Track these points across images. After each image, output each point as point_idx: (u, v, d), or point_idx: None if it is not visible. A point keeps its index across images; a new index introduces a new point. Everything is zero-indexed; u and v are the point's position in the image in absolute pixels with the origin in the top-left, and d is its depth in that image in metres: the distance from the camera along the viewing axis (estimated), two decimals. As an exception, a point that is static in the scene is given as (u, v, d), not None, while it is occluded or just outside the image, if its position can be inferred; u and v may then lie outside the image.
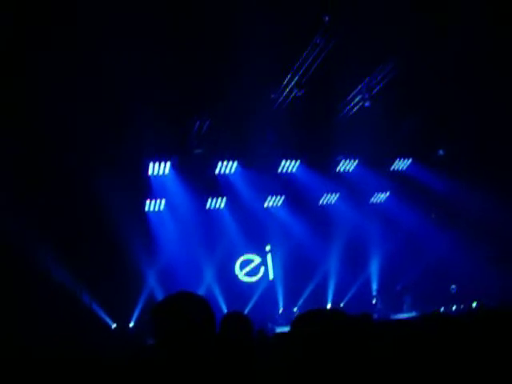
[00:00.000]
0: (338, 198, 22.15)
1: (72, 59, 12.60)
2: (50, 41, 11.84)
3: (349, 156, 20.74)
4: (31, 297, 16.13)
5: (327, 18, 13.05)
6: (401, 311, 20.27)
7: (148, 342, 16.36)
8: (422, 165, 21.70)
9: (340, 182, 21.44)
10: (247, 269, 21.69)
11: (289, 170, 20.30)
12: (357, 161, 20.85)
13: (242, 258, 21.65)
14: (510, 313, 4.80)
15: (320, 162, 20.70)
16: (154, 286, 18.84)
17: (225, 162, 19.16)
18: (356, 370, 2.31)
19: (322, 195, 21.99)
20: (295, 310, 20.30)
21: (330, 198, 22.16)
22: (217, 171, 19.39)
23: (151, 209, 19.49)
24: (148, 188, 18.89)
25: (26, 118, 14.41)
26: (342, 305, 21.31)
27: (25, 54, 12.13)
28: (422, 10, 12.70)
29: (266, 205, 21.45)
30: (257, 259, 21.92)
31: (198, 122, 16.85)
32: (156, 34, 12.40)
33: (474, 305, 18.27)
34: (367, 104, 16.84)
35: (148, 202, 19.25)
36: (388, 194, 22.68)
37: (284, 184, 20.79)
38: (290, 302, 20.81)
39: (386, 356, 4.41)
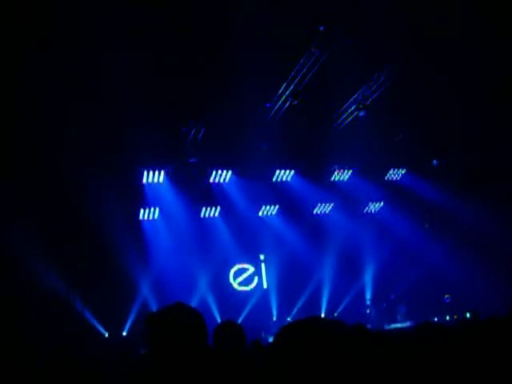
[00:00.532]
0: (333, 208, 22.19)
1: (69, 63, 12.59)
2: (51, 43, 11.84)
3: (343, 165, 20.79)
4: (23, 305, 16.04)
5: (322, 28, 13.10)
6: (395, 321, 20.24)
7: (141, 351, 16.28)
8: (417, 175, 21.77)
9: (334, 192, 21.48)
10: (241, 278, 21.64)
11: (283, 179, 20.32)
12: (351, 170, 20.91)
13: (235, 267, 21.61)
14: (503, 323, 4.80)
15: (314, 172, 20.74)
16: (148, 295, 18.77)
17: (219, 171, 19.17)
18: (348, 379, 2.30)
19: (317, 204, 22.02)
20: (289, 319, 20.25)
21: (324, 208, 22.19)
22: (211, 180, 19.39)
23: (145, 217, 19.47)
24: (142, 196, 18.86)
25: (21, 125, 14.39)
26: (335, 314, 21.30)
27: (24, 55, 12.13)
28: (418, 21, 12.77)
29: (260, 214, 21.46)
30: (251, 268, 21.89)
31: (192, 131, 16.84)
32: (153, 42, 12.44)
33: (468, 315, 18.25)
34: (362, 114, 16.87)
35: (142, 210, 19.22)
36: (382, 203, 22.74)
37: (278, 193, 20.81)
38: (283, 312, 20.76)
39: (379, 366, 4.40)
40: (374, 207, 22.93)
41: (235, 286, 21.46)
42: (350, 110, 17.46)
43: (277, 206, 21.40)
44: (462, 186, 20.56)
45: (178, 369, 2.32)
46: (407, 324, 19.19)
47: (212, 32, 12.37)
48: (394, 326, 19.19)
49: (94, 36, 11.57)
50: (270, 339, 17.57)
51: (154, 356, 2.37)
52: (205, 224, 20.58)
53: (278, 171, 19.95)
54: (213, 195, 20.01)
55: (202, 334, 2.48)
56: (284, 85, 15.57)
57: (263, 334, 18.98)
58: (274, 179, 20.21)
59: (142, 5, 11.37)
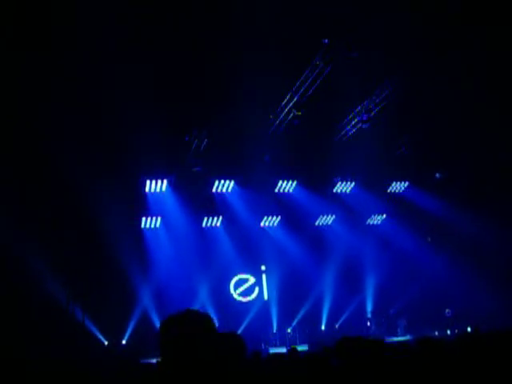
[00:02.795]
0: (335, 220, 22.19)
1: (72, 75, 12.69)
2: (51, 48, 11.92)
3: (346, 177, 20.82)
4: (23, 312, 16.04)
5: (327, 41, 13.16)
6: (395, 334, 20.18)
7: (140, 359, 16.24)
8: (419, 188, 21.78)
9: (337, 204, 21.48)
10: (242, 288, 21.62)
11: (285, 191, 20.35)
12: (354, 182, 20.92)
13: (236, 278, 21.60)
14: (504, 337, 4.80)
15: (317, 183, 20.75)
16: (148, 304, 18.76)
17: (222, 181, 19.21)
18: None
19: (319, 216, 22.03)
20: (289, 330, 20.20)
21: (326, 219, 22.20)
22: (213, 190, 19.42)
23: (147, 226, 19.49)
24: (145, 205, 18.89)
25: (28, 133, 14.48)
26: (336, 326, 21.24)
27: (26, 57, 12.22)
28: (421, 34, 12.83)
29: (262, 224, 21.47)
30: (251, 279, 21.87)
31: (195, 141, 16.89)
32: (157, 53, 12.52)
33: (469, 329, 18.19)
34: (365, 126, 16.90)
35: (144, 219, 19.25)
36: (384, 216, 22.73)
37: (280, 204, 20.82)
38: (284, 323, 20.71)
39: (380, 378, 4.40)
40: (376, 220, 22.92)
41: (236, 296, 21.42)
42: (353, 123, 17.51)
43: (279, 217, 21.41)
44: (464, 200, 20.56)
45: (192, 376, 2.32)
46: (407, 337, 19.11)
47: (217, 43, 12.44)
48: (394, 339, 19.11)
49: (97, 46, 11.65)
50: (271, 350, 17.53)
51: (167, 364, 2.37)
52: (206, 233, 20.61)
53: (280, 182, 19.99)
54: (215, 205, 20.05)
55: (215, 341, 2.50)
56: (288, 96, 15.63)
57: (263, 346, 18.93)
58: (276, 190, 20.23)
59: (149, 15, 11.45)
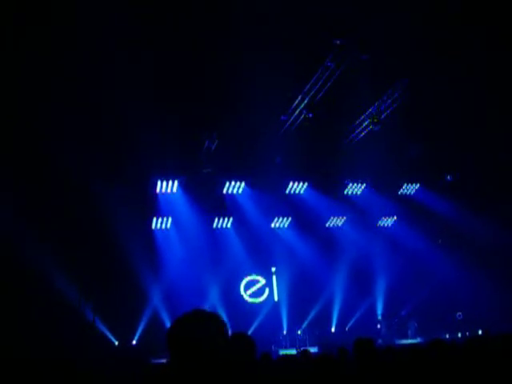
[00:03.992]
0: (345, 221, 22.16)
1: (81, 69, 12.72)
2: (60, 46, 11.98)
3: (357, 179, 20.76)
4: (34, 312, 16.11)
5: (338, 42, 13.14)
6: (405, 337, 20.09)
7: (150, 360, 16.29)
8: (430, 190, 21.69)
9: (347, 205, 21.44)
10: (252, 290, 21.62)
11: (296, 192, 20.33)
12: (365, 184, 20.87)
13: (247, 279, 21.61)
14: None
15: (328, 185, 20.71)
16: (158, 304, 18.80)
17: (232, 182, 19.22)
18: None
19: (329, 218, 22.00)
20: (299, 332, 20.17)
21: (336, 221, 22.17)
22: (224, 191, 19.44)
23: (158, 226, 19.53)
24: (155, 206, 18.94)
25: (37, 135, 14.56)
26: (346, 329, 21.21)
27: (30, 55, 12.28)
28: (433, 36, 12.79)
29: (272, 226, 21.47)
30: (262, 280, 21.87)
31: (206, 142, 16.93)
32: (169, 53, 12.56)
33: (480, 332, 18.10)
34: (376, 128, 16.86)
35: (155, 219, 19.30)
36: (395, 218, 22.66)
37: (291, 205, 20.81)
38: (294, 325, 20.67)
39: (389, 381, 4.39)
40: (386, 222, 22.85)
41: (246, 297, 21.43)
42: (364, 124, 17.47)
43: (289, 219, 21.40)
44: (475, 202, 20.46)
45: (201, 376, 2.32)
46: (418, 340, 19.04)
47: (228, 44, 12.45)
48: (404, 341, 19.04)
49: (108, 48, 11.68)
50: (281, 352, 17.53)
51: (176, 364, 2.37)
52: (217, 235, 20.61)
53: (291, 184, 19.96)
54: (226, 206, 20.04)
55: (226, 342, 2.49)
56: (299, 98, 15.62)
57: (273, 347, 18.92)
58: (287, 191, 20.22)
59: (161, 16, 11.49)
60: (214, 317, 2.56)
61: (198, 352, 2.35)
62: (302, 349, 17.47)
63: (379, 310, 21.84)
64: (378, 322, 21.24)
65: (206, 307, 19.00)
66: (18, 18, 11.01)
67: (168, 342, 2.44)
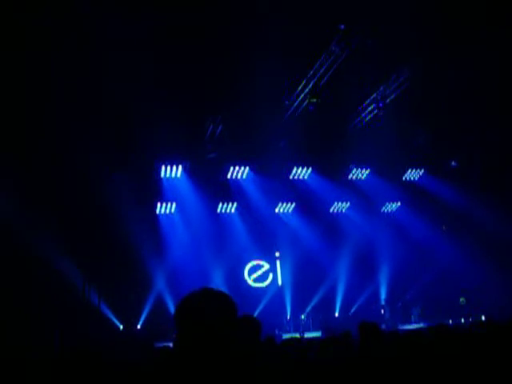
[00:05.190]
0: (349, 206, 22.16)
1: (84, 59, 12.70)
2: (62, 40, 11.96)
3: (361, 165, 20.72)
4: (39, 297, 16.24)
5: (343, 27, 13.06)
6: (409, 322, 20.16)
7: (155, 344, 16.39)
8: (435, 175, 21.65)
9: (351, 191, 21.42)
10: (256, 274, 21.70)
11: (300, 177, 20.31)
12: (369, 170, 20.83)
13: (251, 264, 21.68)
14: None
15: (332, 170, 20.69)
16: (163, 289, 18.89)
17: (237, 167, 19.21)
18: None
19: (333, 203, 22.00)
20: (303, 317, 20.25)
21: (340, 206, 22.17)
22: (228, 176, 19.44)
23: (162, 211, 19.57)
24: (159, 191, 18.96)
25: (41, 124, 14.56)
26: (350, 313, 21.28)
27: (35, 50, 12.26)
28: (438, 21, 12.69)
29: (276, 211, 21.48)
30: (266, 265, 21.94)
31: (210, 127, 16.90)
32: (172, 39, 12.49)
33: (483, 318, 18.12)
34: (381, 113, 16.79)
35: (159, 204, 19.33)
36: (399, 203, 22.64)
37: (295, 191, 20.81)
38: (298, 309, 20.76)
39: (392, 365, 4.42)
40: (390, 207, 22.84)
41: (250, 282, 21.52)
42: (368, 110, 17.40)
43: (293, 204, 21.40)
44: (480, 188, 20.42)
45: (209, 357, 2.33)
46: (421, 325, 19.09)
47: (231, 29, 12.39)
48: (407, 326, 19.09)
49: (111, 34, 11.62)
50: (284, 336, 17.62)
51: (184, 341, 2.37)
52: (221, 219, 20.67)
53: (295, 169, 19.94)
54: (230, 191, 20.06)
55: (233, 320, 2.50)
56: (303, 82, 15.55)
57: (277, 332, 19.01)
58: (291, 177, 20.20)
59: (166, 6, 11.42)
60: (223, 294, 2.57)
61: (206, 327, 2.36)
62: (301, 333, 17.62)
63: (383, 295, 21.90)
64: (382, 307, 21.30)
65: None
66: (18, 18, 11.03)
67: (176, 318, 2.44)
